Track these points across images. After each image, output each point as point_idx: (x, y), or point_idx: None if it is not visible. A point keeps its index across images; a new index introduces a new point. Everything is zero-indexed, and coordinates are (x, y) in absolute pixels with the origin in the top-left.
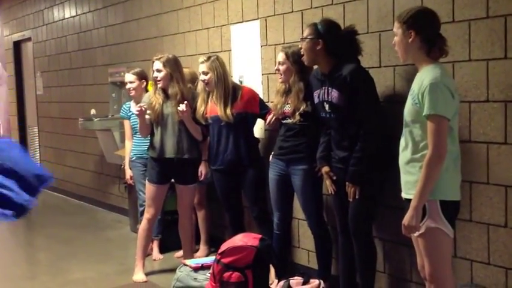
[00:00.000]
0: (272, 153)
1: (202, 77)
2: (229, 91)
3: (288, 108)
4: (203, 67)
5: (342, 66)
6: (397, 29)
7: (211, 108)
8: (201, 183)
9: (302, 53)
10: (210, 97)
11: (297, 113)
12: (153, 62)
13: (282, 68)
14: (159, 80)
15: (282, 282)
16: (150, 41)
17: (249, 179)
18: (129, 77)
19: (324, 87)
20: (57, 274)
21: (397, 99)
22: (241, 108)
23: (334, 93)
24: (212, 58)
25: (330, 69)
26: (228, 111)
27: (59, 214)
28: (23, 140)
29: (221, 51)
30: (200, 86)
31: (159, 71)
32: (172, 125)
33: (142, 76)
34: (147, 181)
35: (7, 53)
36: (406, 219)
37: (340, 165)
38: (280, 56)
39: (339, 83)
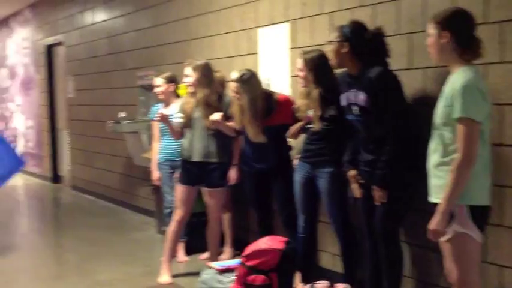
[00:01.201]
0: (298, 156)
1: (233, 95)
2: (261, 110)
3: (311, 113)
4: (233, 86)
5: (369, 68)
6: (431, 29)
7: None
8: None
9: (330, 55)
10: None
11: (318, 120)
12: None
13: (300, 74)
14: (189, 85)
15: (307, 286)
16: (178, 44)
17: (279, 183)
18: (158, 80)
19: (351, 90)
20: (84, 275)
21: (427, 102)
22: (277, 122)
23: (362, 96)
24: (244, 78)
25: (357, 71)
26: (259, 134)
27: (87, 215)
28: (54, 143)
29: (248, 54)
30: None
31: (189, 76)
32: (201, 129)
33: (170, 80)
34: (178, 182)
35: (40, 57)
36: (432, 224)
37: (367, 168)
38: (299, 63)
39: (366, 86)
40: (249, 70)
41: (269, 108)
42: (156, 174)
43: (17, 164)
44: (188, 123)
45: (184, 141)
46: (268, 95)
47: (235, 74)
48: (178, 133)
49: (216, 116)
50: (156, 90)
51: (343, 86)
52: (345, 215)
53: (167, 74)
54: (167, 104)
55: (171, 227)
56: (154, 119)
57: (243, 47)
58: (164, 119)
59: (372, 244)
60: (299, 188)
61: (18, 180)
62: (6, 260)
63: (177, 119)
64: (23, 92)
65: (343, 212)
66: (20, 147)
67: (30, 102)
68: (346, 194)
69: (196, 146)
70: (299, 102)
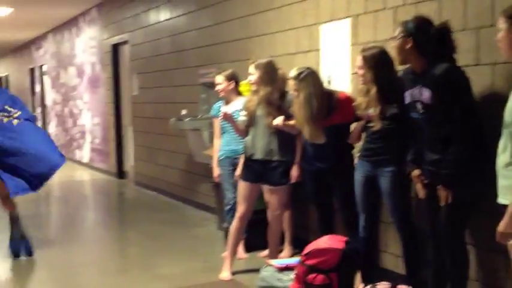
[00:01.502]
0: (358, 154)
1: (292, 92)
2: (319, 109)
3: (371, 112)
4: (292, 84)
5: (435, 65)
6: (501, 24)
7: None
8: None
9: (393, 52)
10: None
11: (379, 119)
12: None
13: (360, 71)
14: (252, 83)
15: (367, 287)
16: (239, 42)
17: (340, 182)
18: (218, 78)
19: (416, 87)
20: (146, 269)
21: (496, 99)
22: (338, 121)
23: (427, 93)
24: (302, 76)
25: (422, 68)
26: (317, 133)
27: (149, 210)
28: (119, 139)
29: (310, 51)
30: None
31: (251, 74)
32: (263, 127)
33: (230, 77)
34: (240, 180)
35: (106, 56)
36: (501, 226)
37: (432, 168)
38: (359, 60)
39: (432, 83)
40: (308, 68)
41: (329, 107)
42: (216, 171)
43: (57, 161)
44: (251, 121)
45: (247, 139)
46: (329, 94)
47: (293, 72)
48: (242, 131)
49: (277, 121)
50: (217, 87)
51: (407, 83)
52: (407, 215)
53: (228, 71)
54: (228, 101)
55: (234, 224)
56: (218, 117)
57: (304, 44)
58: (227, 117)
59: (436, 245)
60: (359, 187)
61: (85, 175)
62: (74, 253)
63: (241, 117)
64: (90, 90)
65: (405, 211)
66: (87, 144)
67: (97, 100)
68: (408, 194)
69: (259, 144)
70: (358, 100)
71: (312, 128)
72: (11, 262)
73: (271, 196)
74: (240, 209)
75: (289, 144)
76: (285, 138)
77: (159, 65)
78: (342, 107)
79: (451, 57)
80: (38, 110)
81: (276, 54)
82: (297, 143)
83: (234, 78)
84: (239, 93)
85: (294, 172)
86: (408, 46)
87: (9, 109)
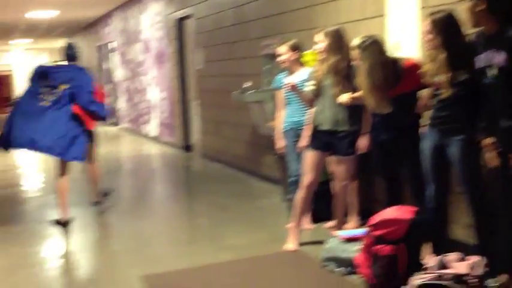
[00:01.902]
0: (426, 123)
1: (355, 62)
2: (384, 79)
3: (440, 79)
4: (355, 54)
5: (508, 26)
6: None
7: None
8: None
9: (465, 15)
10: None
11: (448, 86)
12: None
13: (428, 37)
14: (319, 51)
15: (437, 258)
16: (302, 11)
17: (408, 152)
18: (281, 48)
19: (489, 50)
20: (214, 239)
21: None
22: (404, 90)
23: (502, 56)
24: (364, 45)
25: (495, 30)
26: (381, 102)
27: (217, 182)
28: (185, 113)
29: (375, 17)
30: None
31: (319, 42)
32: (331, 97)
33: (293, 47)
34: (307, 148)
35: (171, 30)
36: None
37: (505, 135)
38: (427, 24)
39: (505, 45)
40: (372, 36)
41: (395, 76)
42: (280, 142)
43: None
44: (319, 90)
45: (315, 109)
46: (394, 62)
47: (356, 41)
48: (310, 101)
49: (344, 98)
50: (280, 58)
51: (479, 47)
52: (478, 185)
53: (291, 41)
54: (291, 72)
55: (299, 194)
56: (281, 88)
57: (369, 10)
58: (294, 88)
59: (508, 215)
60: (428, 157)
61: (153, 149)
62: (145, 224)
63: (308, 86)
64: (157, 65)
65: (476, 181)
66: (154, 118)
67: (164, 75)
68: (479, 163)
69: (326, 114)
70: (426, 66)
71: (377, 98)
72: (85, 234)
73: (338, 166)
74: (306, 179)
75: (357, 114)
76: (353, 108)
77: (223, 37)
78: (408, 75)
79: None
80: (107, 87)
81: (341, 22)
82: (364, 113)
83: (297, 48)
84: (302, 64)
85: (362, 142)
86: (480, 8)
87: (62, 86)
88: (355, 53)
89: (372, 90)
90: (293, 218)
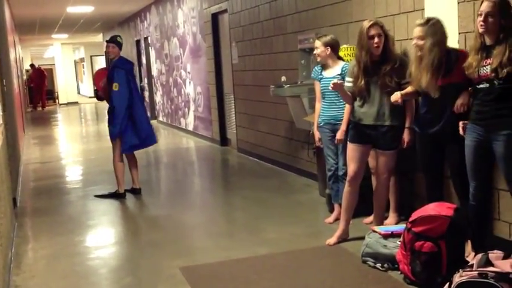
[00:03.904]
0: (469, 118)
1: (416, 41)
2: (443, 61)
3: (485, 71)
4: (418, 31)
5: None
6: None
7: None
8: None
9: None
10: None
11: (504, 71)
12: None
13: (489, 19)
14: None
15: (479, 255)
16: (338, 5)
17: (454, 147)
18: (316, 43)
19: None
20: (252, 233)
21: None
22: (457, 80)
23: None
24: (431, 22)
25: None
26: (434, 83)
27: (252, 177)
28: (221, 107)
29: (413, 11)
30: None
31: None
32: (373, 92)
33: (327, 44)
34: (348, 142)
35: (206, 25)
36: None
37: None
38: (486, 5)
39: None
40: (435, 17)
41: (449, 64)
42: (317, 134)
43: (149, 139)
44: (358, 86)
45: (355, 104)
46: (449, 51)
47: (420, 20)
48: (350, 97)
49: (395, 97)
50: (315, 52)
51: None
52: None
53: (327, 37)
54: (325, 66)
55: (345, 188)
56: (318, 79)
57: (407, 4)
58: (337, 87)
59: None
60: (470, 153)
61: (190, 143)
62: (183, 216)
63: (347, 83)
64: (192, 59)
65: None
66: (191, 112)
67: (199, 69)
68: None
69: (368, 109)
70: (471, 58)
71: (431, 78)
72: (126, 225)
73: (380, 160)
74: (350, 171)
75: (401, 108)
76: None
77: (258, 32)
78: (460, 65)
79: None
80: (145, 81)
81: (377, 16)
82: (407, 107)
83: (331, 44)
84: (339, 58)
85: (406, 137)
86: None
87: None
88: (417, 30)
89: (429, 68)
90: (341, 211)
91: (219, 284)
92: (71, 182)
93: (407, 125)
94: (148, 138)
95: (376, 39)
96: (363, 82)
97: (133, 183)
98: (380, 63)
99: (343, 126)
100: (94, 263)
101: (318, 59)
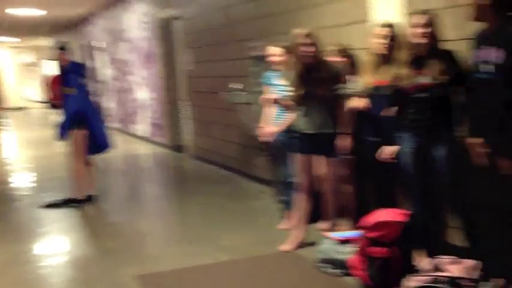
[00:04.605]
0: (402, 126)
1: (380, 41)
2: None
3: (423, 81)
4: (385, 31)
5: (510, 23)
6: None
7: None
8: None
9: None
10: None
11: (443, 78)
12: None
13: (429, 31)
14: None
15: (432, 261)
16: (289, 14)
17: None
18: (275, 50)
19: (486, 46)
20: (207, 240)
21: None
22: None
23: (497, 52)
24: (392, 23)
25: (495, 26)
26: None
27: (208, 183)
28: (176, 113)
29: (359, 22)
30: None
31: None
32: (312, 101)
33: (290, 50)
34: (294, 152)
35: (159, 31)
36: None
37: (492, 136)
38: (423, 17)
39: (505, 41)
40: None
41: None
42: (267, 131)
43: (105, 145)
44: (299, 96)
45: (299, 113)
46: None
47: (381, 21)
48: (292, 108)
49: (356, 103)
50: (273, 59)
51: (475, 43)
52: (465, 187)
53: (286, 43)
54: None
55: (297, 196)
56: (269, 85)
57: (353, 15)
58: (276, 102)
59: (496, 219)
60: (410, 160)
61: (144, 149)
62: (138, 223)
63: (288, 92)
64: (145, 65)
65: (461, 184)
66: (144, 118)
67: (153, 75)
68: (465, 165)
69: (310, 118)
70: (403, 69)
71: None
72: (78, 232)
73: (325, 168)
74: (301, 181)
75: (340, 116)
76: (334, 109)
77: (212, 39)
78: None
79: None
80: (94, 85)
81: (326, 26)
82: (344, 114)
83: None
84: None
85: (343, 143)
86: (484, 2)
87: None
88: (383, 31)
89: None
90: (291, 219)
91: None
92: (20, 189)
93: (346, 131)
94: (105, 144)
95: (307, 48)
96: (300, 91)
97: (87, 189)
98: (314, 72)
99: (279, 128)
100: (45, 271)
101: (278, 67)
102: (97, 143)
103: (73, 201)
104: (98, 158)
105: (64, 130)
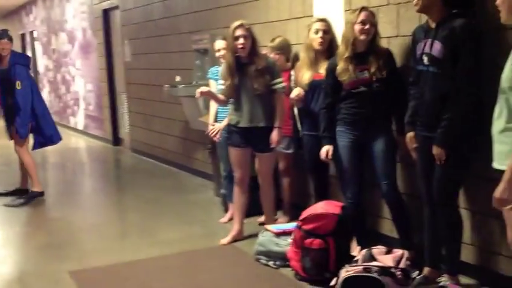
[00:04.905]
0: (340, 120)
1: (320, 35)
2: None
3: (363, 76)
4: (323, 25)
5: (454, 18)
6: None
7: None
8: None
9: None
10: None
11: (383, 73)
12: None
13: (370, 28)
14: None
15: (364, 251)
16: (232, 7)
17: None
18: (220, 44)
19: (428, 39)
20: (146, 234)
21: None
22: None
23: (437, 46)
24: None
25: (439, 20)
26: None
27: (147, 177)
28: (113, 106)
29: (303, 17)
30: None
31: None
32: (245, 94)
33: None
34: (229, 145)
35: (96, 21)
36: (497, 192)
37: (428, 127)
38: (366, 14)
39: (445, 36)
40: None
41: None
42: (214, 127)
43: (55, 137)
44: (230, 89)
45: (231, 107)
46: None
47: (317, 16)
48: (223, 101)
49: (296, 93)
50: (218, 53)
51: (418, 37)
52: (395, 179)
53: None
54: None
55: (234, 190)
56: (215, 80)
57: (297, 10)
58: (205, 94)
59: (430, 210)
60: (347, 154)
61: (80, 142)
62: (74, 218)
63: (219, 85)
64: (82, 56)
65: (395, 176)
66: (81, 110)
67: (90, 66)
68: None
69: (243, 111)
70: (344, 65)
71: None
72: (10, 228)
73: (260, 162)
74: (237, 175)
75: (274, 110)
76: (270, 103)
77: (152, 30)
78: None
79: (468, 12)
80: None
81: (270, 20)
82: (278, 107)
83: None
84: None
85: (275, 136)
86: None
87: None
88: (321, 25)
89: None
90: (231, 213)
91: (109, 287)
92: None
93: (277, 124)
94: (54, 136)
95: (241, 40)
96: (233, 83)
97: (22, 184)
98: (248, 65)
99: (227, 127)
100: None
101: (221, 61)
102: (45, 136)
103: (34, 195)
104: (35, 153)
105: (25, 128)
